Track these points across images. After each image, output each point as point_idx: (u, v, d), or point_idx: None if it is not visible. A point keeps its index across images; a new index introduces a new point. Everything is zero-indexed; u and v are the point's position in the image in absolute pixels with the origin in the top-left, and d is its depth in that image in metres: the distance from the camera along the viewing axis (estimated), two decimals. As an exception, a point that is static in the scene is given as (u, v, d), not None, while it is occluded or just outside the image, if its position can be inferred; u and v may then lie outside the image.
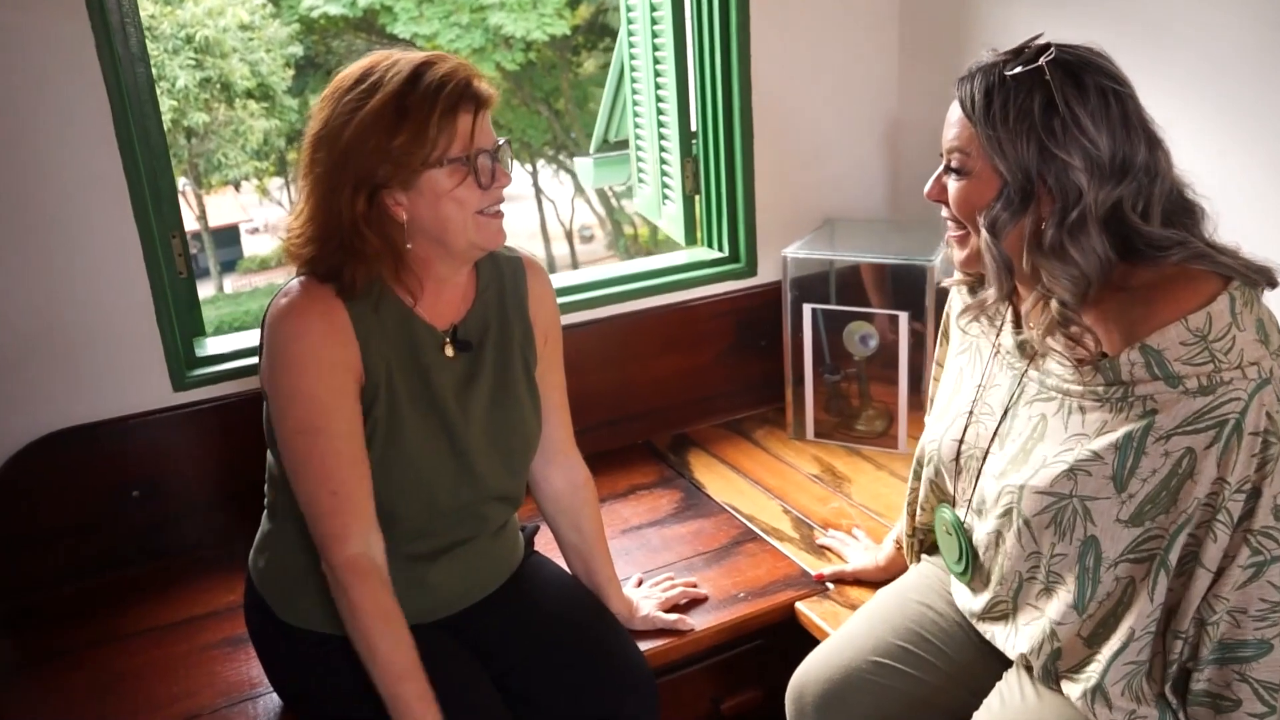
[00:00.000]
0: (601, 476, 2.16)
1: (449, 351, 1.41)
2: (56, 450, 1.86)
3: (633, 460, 2.28)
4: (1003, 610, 1.31)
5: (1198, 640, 1.15)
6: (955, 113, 1.21)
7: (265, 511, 1.49)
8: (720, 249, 2.47)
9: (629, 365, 2.35)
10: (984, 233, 1.18)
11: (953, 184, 1.22)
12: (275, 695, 1.55)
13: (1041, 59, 1.13)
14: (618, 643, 1.52)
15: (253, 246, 15.86)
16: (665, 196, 2.65)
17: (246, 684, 1.60)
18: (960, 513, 1.36)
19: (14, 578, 1.87)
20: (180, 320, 1.95)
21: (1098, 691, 1.18)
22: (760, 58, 2.28)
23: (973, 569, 1.35)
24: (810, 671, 1.44)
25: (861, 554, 1.77)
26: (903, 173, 2.51)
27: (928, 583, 1.50)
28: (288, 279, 1.37)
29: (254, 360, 1.97)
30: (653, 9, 2.47)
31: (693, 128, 2.46)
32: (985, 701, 1.32)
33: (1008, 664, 1.34)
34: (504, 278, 1.48)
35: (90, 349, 1.86)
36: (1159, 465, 1.13)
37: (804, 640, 1.68)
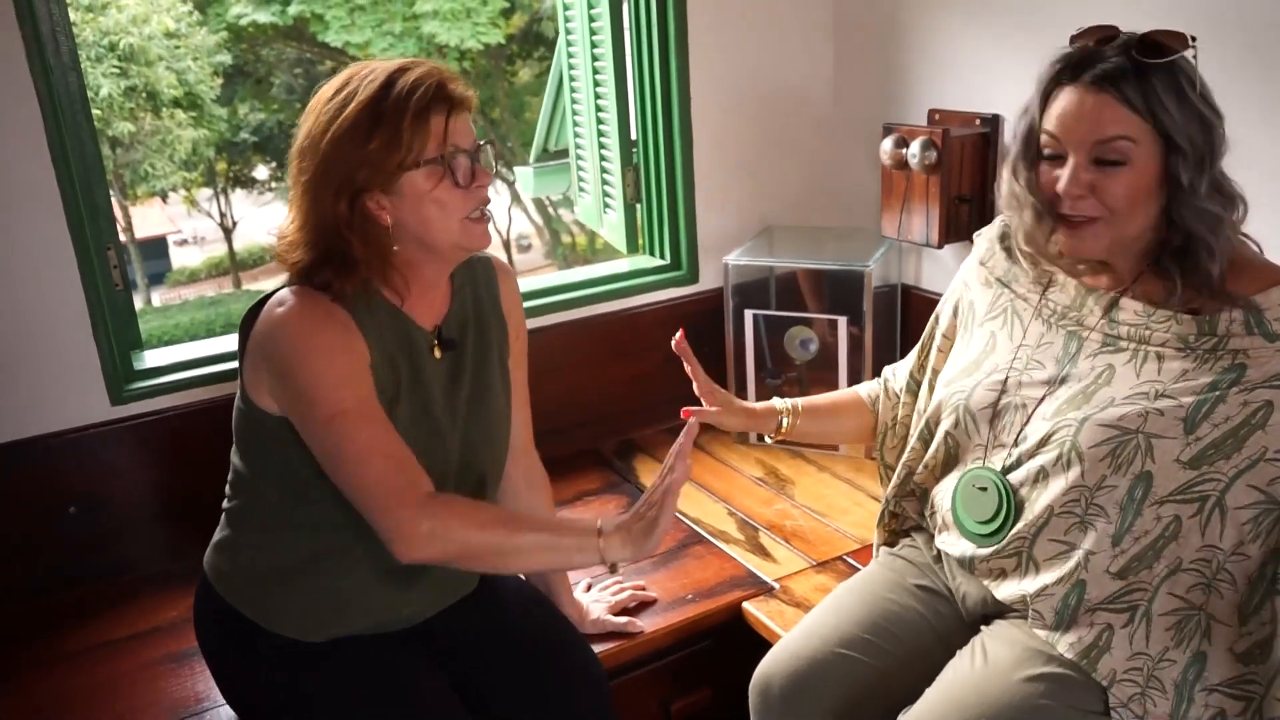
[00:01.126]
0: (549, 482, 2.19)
1: (436, 353, 1.42)
2: (-10, 468, 1.82)
3: (580, 467, 2.30)
4: (1015, 549, 1.34)
5: None
6: (1096, 105, 1.22)
7: (225, 517, 1.46)
8: (662, 256, 2.50)
9: (574, 373, 2.36)
10: (1182, 209, 1.23)
11: (1109, 175, 1.24)
12: (226, 709, 1.54)
13: (1189, 48, 1.21)
14: (572, 649, 1.53)
15: (181, 258, 15.54)
16: (607, 205, 2.67)
17: (193, 699, 1.59)
18: (995, 462, 1.38)
19: (-53, 600, 1.82)
20: (117, 333, 1.92)
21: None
22: (698, 67, 2.32)
23: (1005, 526, 1.36)
24: (776, 663, 1.46)
25: (726, 398, 1.68)
26: (840, 179, 2.56)
27: (891, 576, 1.54)
28: (276, 288, 1.35)
29: (195, 372, 1.97)
30: (591, 19, 2.49)
31: (633, 136, 2.49)
32: (943, 672, 1.36)
33: (964, 643, 1.39)
34: (477, 277, 1.50)
35: (25, 363, 1.83)
36: (1234, 413, 1.21)
37: (752, 640, 1.71)
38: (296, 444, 1.32)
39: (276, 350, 1.30)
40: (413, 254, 1.35)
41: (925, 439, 1.51)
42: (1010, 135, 1.37)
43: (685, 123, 2.35)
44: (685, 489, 2.10)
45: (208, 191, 14.05)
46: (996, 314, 1.46)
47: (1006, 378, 1.39)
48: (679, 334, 1.54)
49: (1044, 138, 1.27)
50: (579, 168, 2.87)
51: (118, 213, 12.23)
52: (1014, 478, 1.35)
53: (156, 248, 15.28)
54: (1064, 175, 1.25)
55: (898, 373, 1.65)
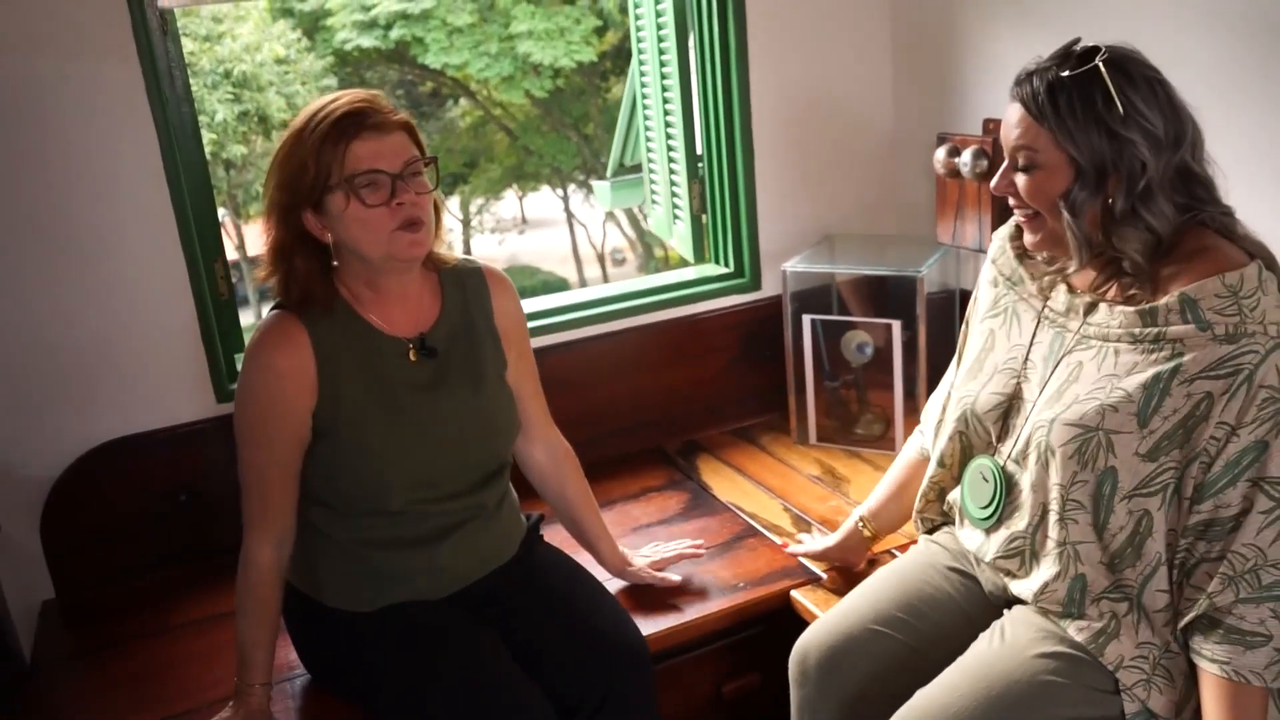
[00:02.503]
0: (615, 480, 2.33)
1: (413, 357, 1.55)
2: (111, 458, 2.02)
3: (645, 465, 2.42)
4: (1019, 548, 1.42)
5: (1225, 587, 1.24)
6: (1016, 115, 1.34)
7: None
8: (726, 265, 2.61)
9: (642, 375, 2.49)
10: (1066, 215, 1.32)
11: (1022, 178, 1.35)
12: (307, 676, 1.70)
13: (1096, 59, 1.28)
14: (617, 622, 1.65)
15: (290, 274, 16.14)
16: (675, 216, 2.79)
17: (284, 666, 1.74)
18: (999, 455, 1.46)
19: (71, 575, 2.04)
20: (222, 338, 2.11)
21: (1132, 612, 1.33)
22: (759, 84, 2.43)
23: (1002, 511, 1.45)
24: (813, 637, 1.56)
25: (819, 540, 1.90)
26: (898, 188, 2.64)
27: (926, 559, 1.62)
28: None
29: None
30: (660, 40, 2.63)
31: (698, 151, 2.61)
32: (960, 657, 1.43)
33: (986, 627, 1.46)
34: (466, 289, 1.63)
35: (141, 365, 2.04)
36: (1180, 405, 1.26)
37: (800, 627, 1.79)
38: (310, 452, 1.53)
39: (242, 371, 1.53)
40: (358, 267, 1.51)
41: (942, 435, 1.59)
42: None
43: (746, 137, 2.46)
44: (743, 486, 2.23)
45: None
46: (998, 312, 1.53)
47: (1010, 381, 1.46)
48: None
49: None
50: (651, 181, 3.00)
51: (231, 231, 12.86)
52: (1012, 473, 1.43)
53: (268, 265, 15.92)
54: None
55: (930, 411, 1.71)
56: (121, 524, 2.06)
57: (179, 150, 2.00)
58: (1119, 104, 1.26)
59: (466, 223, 14.65)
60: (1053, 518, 1.36)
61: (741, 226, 2.54)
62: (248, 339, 1.57)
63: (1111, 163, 1.28)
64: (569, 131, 13.30)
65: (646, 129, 2.93)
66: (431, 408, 1.55)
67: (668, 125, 2.70)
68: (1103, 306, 1.36)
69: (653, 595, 1.86)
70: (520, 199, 15.89)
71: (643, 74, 2.86)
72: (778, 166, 2.51)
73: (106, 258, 1.97)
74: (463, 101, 13.37)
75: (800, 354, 2.39)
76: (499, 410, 1.64)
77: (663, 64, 2.65)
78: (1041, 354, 1.44)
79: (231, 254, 12.93)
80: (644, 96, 2.89)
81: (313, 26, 12.02)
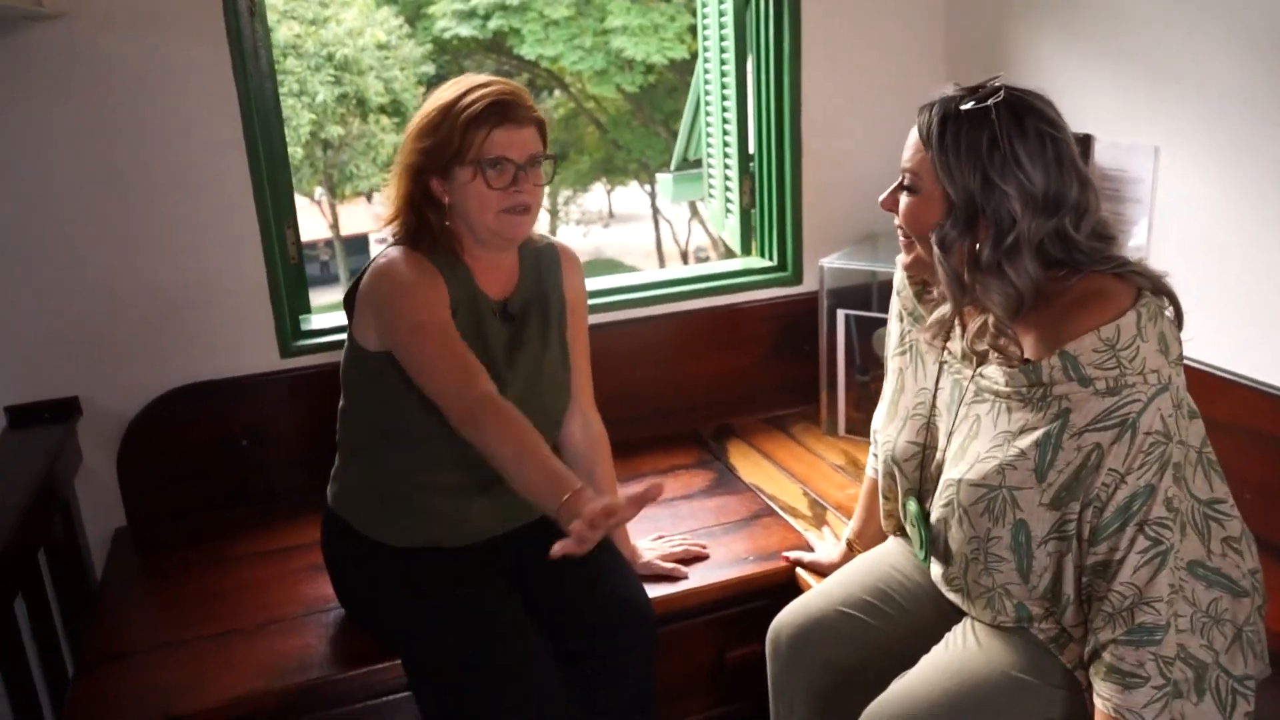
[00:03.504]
0: (648, 456, 2.45)
1: (498, 320, 1.70)
2: (181, 403, 2.21)
3: (679, 444, 2.53)
4: (958, 585, 1.50)
5: (1107, 624, 1.29)
6: (913, 137, 1.38)
7: (338, 447, 1.79)
8: (771, 258, 2.70)
9: (683, 360, 2.60)
10: (935, 249, 1.35)
11: (904, 199, 1.39)
12: (341, 610, 1.85)
13: (991, 100, 1.30)
14: (625, 583, 1.77)
15: (380, 255, 16.58)
16: (728, 210, 2.90)
17: (322, 600, 1.90)
18: (928, 508, 1.52)
19: (142, 507, 2.23)
20: (290, 299, 2.29)
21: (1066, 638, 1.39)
22: (809, 87, 2.52)
23: (931, 556, 1.53)
24: (787, 617, 1.66)
25: (825, 547, 1.97)
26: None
27: (899, 549, 1.70)
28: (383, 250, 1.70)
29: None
30: (721, 45, 2.74)
31: (750, 150, 2.71)
32: (934, 648, 1.52)
33: (958, 620, 1.54)
34: (541, 261, 1.79)
35: (214, 319, 2.22)
36: (1072, 459, 1.29)
37: (803, 601, 1.90)
38: (384, 382, 1.64)
39: (376, 289, 1.63)
40: (461, 230, 1.67)
41: (878, 471, 1.67)
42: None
43: (795, 137, 2.55)
44: (768, 470, 2.32)
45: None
46: (904, 349, 1.58)
47: (922, 430, 1.51)
48: None
49: None
50: (709, 176, 3.11)
51: (326, 210, 13.28)
52: (935, 524, 1.47)
53: (359, 244, 16.38)
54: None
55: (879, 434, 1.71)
56: (189, 463, 2.25)
57: (259, 124, 2.17)
58: (1001, 150, 1.26)
59: (554, 213, 14.90)
60: (979, 566, 1.41)
61: (786, 222, 2.63)
62: (364, 276, 1.66)
63: (981, 208, 1.29)
64: (658, 128, 13.42)
65: (707, 127, 3.04)
66: (507, 365, 1.71)
67: (725, 124, 2.81)
68: (992, 359, 1.38)
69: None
70: (608, 192, 16.09)
71: (706, 75, 2.97)
72: (824, 166, 2.59)
73: (187, 219, 2.15)
74: (556, 93, 13.61)
75: (834, 347, 2.47)
76: (561, 374, 1.80)
77: (723, 68, 2.76)
78: (945, 401, 1.48)
79: (325, 232, 13.40)
80: (706, 96, 3.00)
81: (414, 14, 12.35)
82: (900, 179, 1.41)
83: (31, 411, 2.11)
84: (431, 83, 12.72)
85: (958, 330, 1.47)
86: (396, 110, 11.91)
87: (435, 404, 1.56)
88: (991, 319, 1.35)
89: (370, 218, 16.55)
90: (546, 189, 1.70)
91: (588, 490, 1.42)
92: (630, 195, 15.94)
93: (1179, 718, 1.32)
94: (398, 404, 1.66)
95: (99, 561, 2.18)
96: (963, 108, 1.32)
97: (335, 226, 14.00)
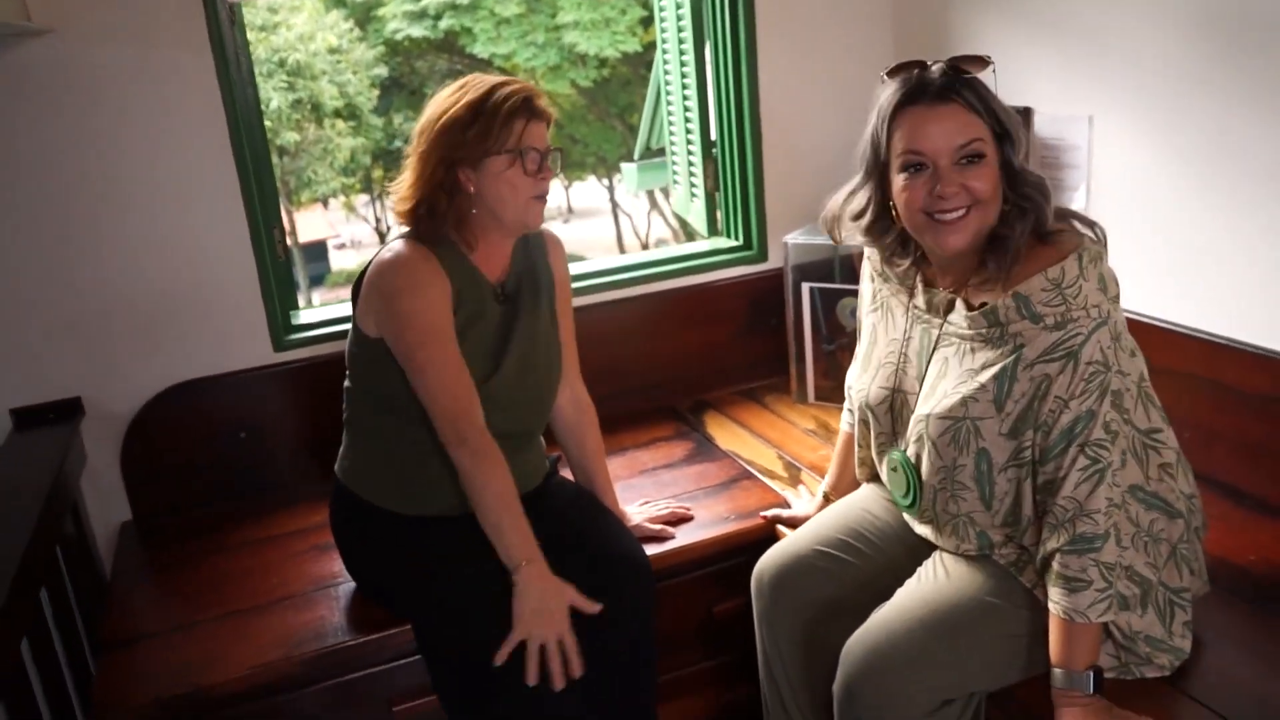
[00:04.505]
0: (628, 431, 2.57)
1: (495, 301, 1.82)
2: (181, 398, 2.30)
3: (657, 419, 2.65)
4: (929, 517, 1.65)
5: (1052, 535, 1.45)
6: (955, 115, 1.45)
7: (345, 425, 1.90)
8: (736, 238, 2.83)
9: (659, 339, 2.72)
10: (1006, 188, 1.47)
11: (974, 173, 1.45)
12: (351, 583, 1.96)
13: (972, 65, 1.47)
14: (623, 539, 1.90)
15: (340, 261, 16.53)
16: (692, 194, 3.02)
17: (329, 576, 2.01)
18: (901, 445, 1.66)
19: (147, 498, 2.32)
20: (280, 294, 2.38)
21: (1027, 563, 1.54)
22: (766, 74, 2.66)
23: (919, 499, 1.64)
24: (769, 558, 1.80)
25: (802, 503, 2.10)
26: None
27: (869, 494, 1.85)
28: (388, 241, 1.81)
29: (339, 328, 2.41)
30: (680, 37, 2.86)
31: (713, 136, 2.83)
32: (907, 581, 1.65)
33: (928, 555, 1.67)
34: (530, 246, 1.91)
35: (208, 317, 2.31)
36: (1026, 389, 1.46)
37: (783, 555, 2.03)
38: (386, 364, 1.75)
39: (384, 283, 1.73)
40: (485, 220, 1.78)
41: (852, 422, 1.82)
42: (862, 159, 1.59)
43: (755, 122, 2.68)
44: (744, 438, 2.45)
45: (364, 197, 14.96)
46: (876, 306, 1.74)
47: (892, 376, 1.65)
48: None
49: (903, 158, 1.48)
50: (673, 164, 3.23)
51: (284, 217, 13.25)
52: (915, 461, 1.62)
53: (317, 251, 16.27)
54: (939, 179, 1.44)
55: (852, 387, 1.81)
56: (189, 457, 2.34)
57: (243, 128, 2.26)
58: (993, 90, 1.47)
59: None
60: (946, 494, 1.57)
61: (750, 203, 2.76)
62: (370, 268, 1.78)
63: (1025, 138, 1.48)
64: (614, 121, 13.51)
65: (669, 116, 3.16)
66: (506, 342, 1.83)
67: (686, 112, 2.93)
68: (959, 306, 1.53)
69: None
70: (566, 188, 16.16)
71: (665, 66, 3.09)
72: (784, 149, 2.72)
73: (180, 222, 2.24)
74: (509, 91, 13.66)
75: (800, 319, 2.61)
76: (553, 350, 1.93)
77: (682, 55, 2.88)
78: (915, 349, 1.63)
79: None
80: (666, 86, 3.12)
81: (365, 17, 12.36)
82: (951, 159, 1.45)
83: (37, 413, 2.20)
84: (385, 85, 12.76)
85: (920, 285, 1.62)
86: (352, 114, 11.92)
87: (425, 410, 1.71)
88: (994, 261, 1.47)
89: (326, 224, 16.52)
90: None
91: (545, 562, 1.72)
92: (588, 190, 16.02)
93: (1125, 626, 1.48)
94: (400, 382, 1.77)
95: (107, 555, 2.26)
96: (966, 75, 1.47)
97: (293, 234, 13.94)
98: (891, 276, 1.68)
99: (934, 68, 1.49)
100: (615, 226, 14.92)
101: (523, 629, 1.67)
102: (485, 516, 1.72)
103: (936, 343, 1.59)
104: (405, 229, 1.81)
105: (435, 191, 1.74)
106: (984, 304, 1.50)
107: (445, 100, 1.74)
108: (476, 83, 1.75)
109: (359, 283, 1.79)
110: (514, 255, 1.88)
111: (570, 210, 16.86)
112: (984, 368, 1.49)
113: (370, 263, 1.78)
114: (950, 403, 1.52)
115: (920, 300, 1.62)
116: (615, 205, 14.81)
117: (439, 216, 1.75)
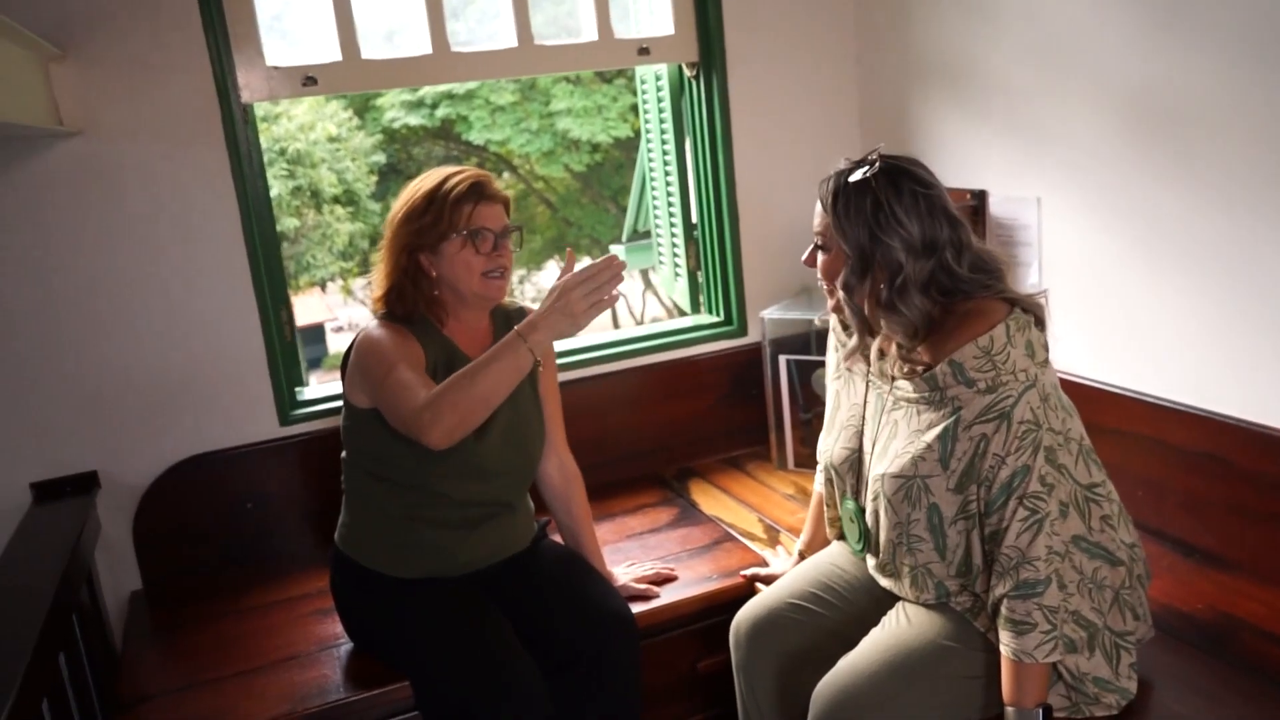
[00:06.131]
0: (616, 498, 2.69)
1: None
2: (192, 470, 2.43)
3: (643, 486, 2.78)
4: (890, 570, 1.77)
5: (999, 581, 1.57)
6: (818, 206, 1.70)
7: (344, 498, 2.03)
8: (718, 314, 3.00)
9: (643, 410, 2.86)
10: (840, 292, 1.67)
11: (819, 256, 1.72)
12: (351, 645, 2.06)
13: (869, 171, 1.61)
14: (608, 597, 2.01)
15: (337, 344, 16.68)
16: (676, 273, 3.19)
17: (331, 637, 2.12)
18: (862, 504, 1.80)
19: (157, 567, 2.43)
20: (286, 372, 2.53)
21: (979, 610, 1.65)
22: (741, 160, 2.85)
23: (868, 546, 1.80)
24: (746, 611, 1.91)
25: (779, 561, 2.23)
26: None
27: (840, 550, 1.97)
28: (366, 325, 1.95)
29: (338, 405, 2.54)
30: (661, 123, 3.06)
31: (694, 219, 3.02)
32: (872, 630, 1.77)
33: (891, 606, 1.79)
34: (512, 322, 2.03)
35: (218, 394, 2.45)
36: (966, 448, 1.59)
37: (762, 611, 2.14)
38: (376, 433, 1.87)
39: (361, 352, 1.88)
40: (449, 298, 1.93)
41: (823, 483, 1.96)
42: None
43: (732, 205, 2.87)
44: (727, 503, 2.58)
45: (362, 281, 15.18)
46: (839, 374, 1.89)
47: (854, 437, 1.79)
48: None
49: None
50: (658, 244, 3.41)
51: (284, 299, 13.43)
52: (869, 516, 1.76)
53: (315, 334, 16.41)
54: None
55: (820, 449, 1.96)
56: (198, 526, 2.46)
57: (255, 218, 2.43)
58: (884, 210, 1.57)
59: (510, 293, 15.13)
60: (904, 548, 1.70)
61: (730, 281, 2.93)
62: (352, 347, 1.92)
63: (872, 258, 1.60)
64: (607, 203, 13.80)
65: (653, 201, 3.35)
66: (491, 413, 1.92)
67: (669, 197, 3.12)
68: (899, 374, 1.67)
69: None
70: (561, 269, 16.38)
71: (649, 155, 3.28)
72: (760, 229, 2.90)
73: (192, 304, 2.40)
74: (505, 175, 13.98)
75: (778, 390, 2.75)
76: (536, 423, 2.05)
77: (664, 148, 3.07)
78: (871, 413, 1.78)
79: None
80: (650, 173, 3.32)
81: (363, 106, 12.70)
82: (814, 241, 1.72)
83: (55, 486, 2.33)
84: (383, 171, 13.07)
85: (875, 355, 1.75)
86: (350, 200, 12.18)
87: (401, 432, 1.76)
88: (895, 346, 1.65)
89: (324, 307, 16.69)
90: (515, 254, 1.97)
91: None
92: (583, 271, 16.24)
93: (1074, 667, 1.59)
94: (389, 452, 1.90)
95: (118, 622, 2.37)
96: (850, 179, 1.63)
97: (291, 319, 14.10)
98: (854, 357, 1.82)
99: (834, 168, 1.68)
100: (610, 308, 15.06)
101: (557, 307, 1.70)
102: (476, 388, 1.68)
103: (887, 407, 1.73)
104: (381, 313, 1.95)
105: (402, 277, 1.90)
106: (926, 369, 1.64)
107: (407, 193, 1.92)
108: (433, 174, 1.92)
109: (345, 362, 1.94)
110: (495, 330, 2.03)
111: (565, 290, 17.02)
112: (929, 428, 1.63)
113: (353, 342, 1.93)
114: (902, 463, 1.65)
115: (875, 367, 1.77)
116: (609, 285, 14.97)
117: (408, 300, 1.91)
